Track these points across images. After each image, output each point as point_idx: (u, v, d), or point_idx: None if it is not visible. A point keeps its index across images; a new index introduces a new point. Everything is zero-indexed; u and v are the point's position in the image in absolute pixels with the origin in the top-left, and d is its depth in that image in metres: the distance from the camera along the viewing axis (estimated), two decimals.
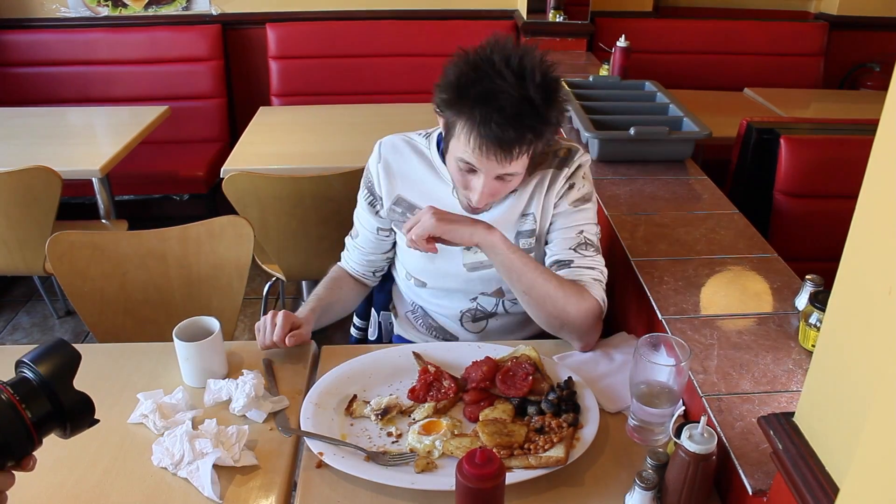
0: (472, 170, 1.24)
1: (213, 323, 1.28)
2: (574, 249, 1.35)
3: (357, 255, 1.53)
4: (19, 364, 0.74)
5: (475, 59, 1.18)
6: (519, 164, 1.22)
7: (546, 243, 1.40)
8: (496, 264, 1.29)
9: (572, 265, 1.33)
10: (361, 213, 1.50)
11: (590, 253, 1.35)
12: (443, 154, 1.36)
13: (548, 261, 1.37)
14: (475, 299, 1.47)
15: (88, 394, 0.77)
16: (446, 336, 1.53)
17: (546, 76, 1.17)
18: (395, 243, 1.53)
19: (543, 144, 1.24)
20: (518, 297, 1.33)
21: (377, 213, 1.47)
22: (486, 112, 1.14)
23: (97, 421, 0.78)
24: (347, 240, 1.56)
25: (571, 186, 1.36)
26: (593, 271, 1.33)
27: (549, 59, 1.21)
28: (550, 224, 1.38)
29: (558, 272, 1.32)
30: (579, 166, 1.37)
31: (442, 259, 1.40)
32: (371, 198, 1.46)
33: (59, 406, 0.72)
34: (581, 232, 1.35)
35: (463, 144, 1.20)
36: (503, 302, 1.47)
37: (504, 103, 1.14)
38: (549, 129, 1.21)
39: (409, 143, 1.45)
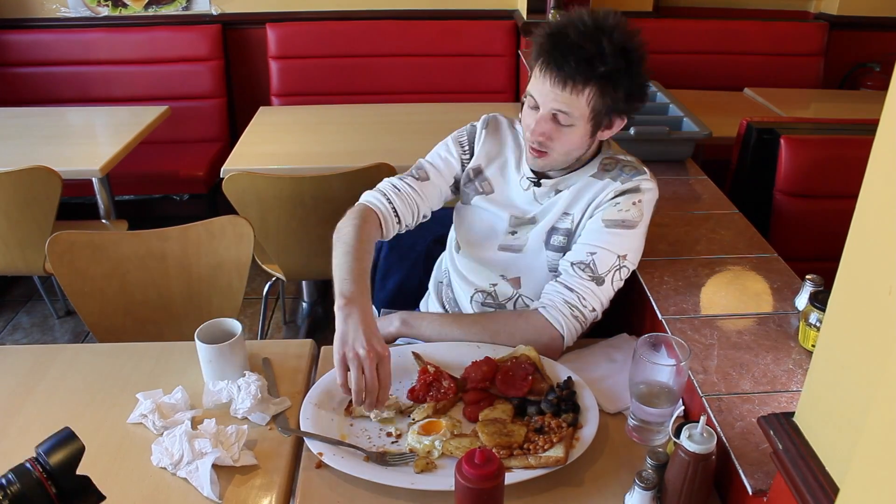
0: (535, 105, 1.29)
1: (235, 325, 1.28)
2: (572, 265, 1.33)
3: (411, 192, 1.42)
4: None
5: (565, 17, 1.27)
6: (572, 104, 1.24)
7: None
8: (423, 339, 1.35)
9: (558, 279, 1.34)
10: (442, 158, 1.48)
11: (584, 276, 1.31)
12: None
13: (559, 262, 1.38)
14: (495, 285, 1.48)
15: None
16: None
17: (627, 39, 1.24)
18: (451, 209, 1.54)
19: (606, 102, 1.26)
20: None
21: (463, 164, 1.48)
22: (556, 41, 1.23)
23: (104, 497, 0.85)
24: (395, 180, 1.44)
25: (616, 204, 1.33)
26: (570, 294, 1.31)
27: (636, 34, 1.27)
28: (579, 234, 1.37)
29: (554, 279, 1.35)
30: (637, 188, 1.33)
31: (483, 234, 1.45)
32: (467, 151, 1.48)
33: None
34: (592, 254, 1.32)
35: (533, 78, 1.28)
36: (519, 297, 1.47)
37: (574, 37, 1.22)
38: (609, 80, 1.23)
39: (512, 127, 1.50)
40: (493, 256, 1.46)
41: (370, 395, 1.12)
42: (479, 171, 1.48)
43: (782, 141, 1.98)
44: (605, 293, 1.33)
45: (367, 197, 1.43)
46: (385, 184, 1.44)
